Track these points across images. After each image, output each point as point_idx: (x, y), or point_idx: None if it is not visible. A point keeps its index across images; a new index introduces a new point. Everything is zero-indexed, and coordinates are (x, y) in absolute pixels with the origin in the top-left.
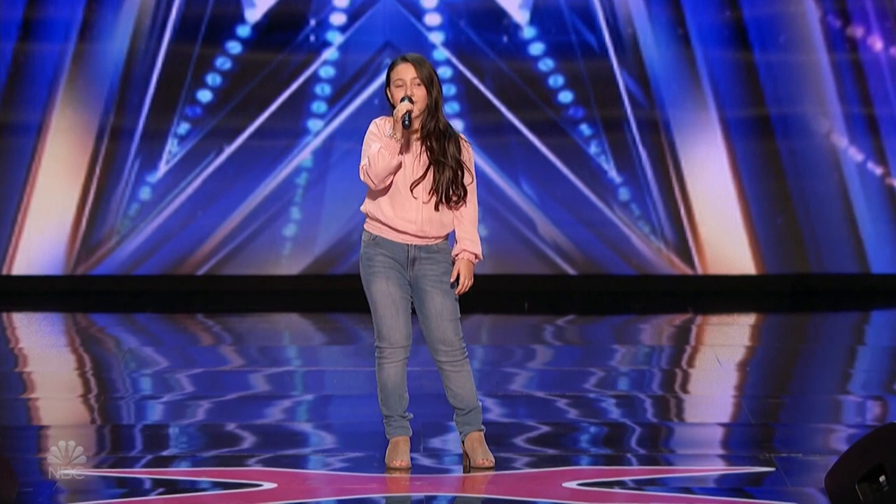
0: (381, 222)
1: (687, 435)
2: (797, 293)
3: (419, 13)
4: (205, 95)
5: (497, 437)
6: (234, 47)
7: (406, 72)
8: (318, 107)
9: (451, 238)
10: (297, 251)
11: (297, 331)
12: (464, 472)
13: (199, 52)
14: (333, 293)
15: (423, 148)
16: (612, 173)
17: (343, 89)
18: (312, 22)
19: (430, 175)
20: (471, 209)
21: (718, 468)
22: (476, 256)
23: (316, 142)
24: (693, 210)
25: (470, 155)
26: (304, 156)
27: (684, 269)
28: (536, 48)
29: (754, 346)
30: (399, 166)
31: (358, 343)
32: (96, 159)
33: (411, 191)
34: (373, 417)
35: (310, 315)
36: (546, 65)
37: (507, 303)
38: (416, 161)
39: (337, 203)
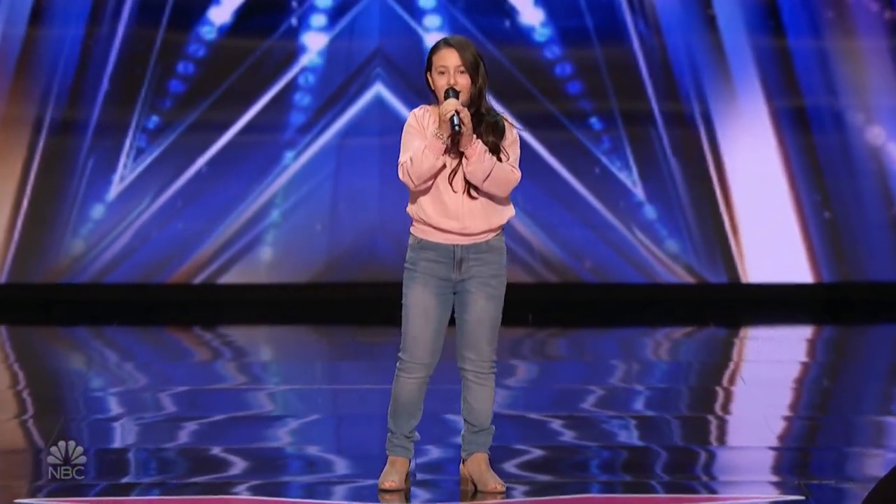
0: (424, 223)
1: (709, 460)
2: (833, 303)
3: None
4: (176, 86)
5: (500, 461)
6: (209, 32)
7: (450, 57)
8: (305, 99)
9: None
10: (288, 260)
11: (294, 344)
12: (461, 499)
13: (167, 36)
14: (331, 303)
15: None
16: (626, 171)
17: (333, 82)
18: (295, 4)
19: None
20: (502, 164)
21: (745, 496)
22: (477, 145)
23: (309, 139)
24: (735, 213)
25: (514, 138)
26: (294, 155)
27: (706, 278)
28: (542, 34)
29: (783, 361)
30: (443, 167)
31: (360, 359)
32: (33, 154)
33: (450, 183)
34: (371, 440)
35: (307, 327)
36: (552, 52)
37: (508, 314)
38: (451, 151)
39: (332, 209)
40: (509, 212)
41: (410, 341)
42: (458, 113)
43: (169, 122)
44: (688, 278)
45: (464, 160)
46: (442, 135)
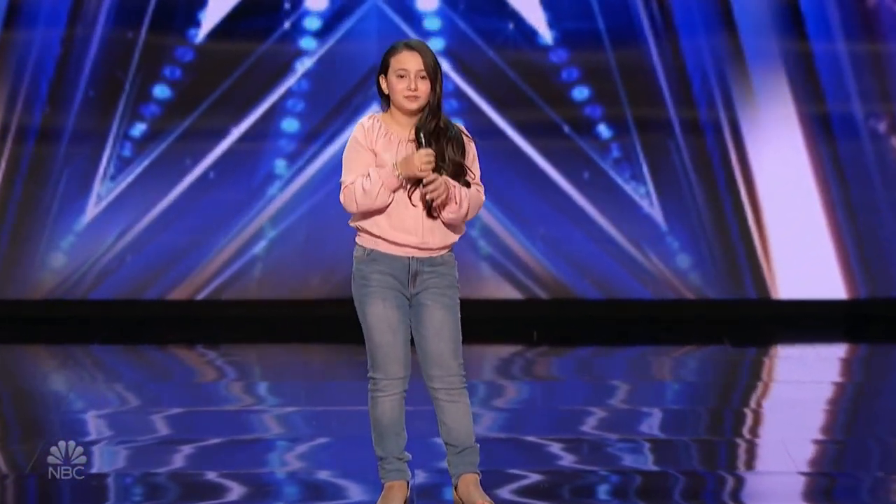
0: (376, 236)
1: (724, 486)
2: (853, 320)
3: None
4: (163, 91)
5: (495, 486)
6: (196, 35)
7: (411, 61)
8: (297, 105)
9: (455, 247)
10: (281, 276)
11: (289, 363)
12: None
13: (150, 39)
14: (325, 320)
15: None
16: (639, 181)
17: (327, 99)
18: (288, 5)
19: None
20: (472, 191)
21: None
22: (454, 193)
23: (303, 161)
24: (765, 225)
25: (473, 154)
26: (286, 166)
27: (722, 293)
28: (548, 36)
29: (802, 381)
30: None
31: (358, 379)
32: (1, 163)
33: (409, 198)
34: (373, 463)
35: (302, 345)
36: (560, 56)
37: (511, 332)
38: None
39: (322, 223)
40: (463, 230)
41: (382, 358)
42: (432, 183)
43: (155, 130)
44: (709, 294)
45: (446, 211)
46: (401, 175)
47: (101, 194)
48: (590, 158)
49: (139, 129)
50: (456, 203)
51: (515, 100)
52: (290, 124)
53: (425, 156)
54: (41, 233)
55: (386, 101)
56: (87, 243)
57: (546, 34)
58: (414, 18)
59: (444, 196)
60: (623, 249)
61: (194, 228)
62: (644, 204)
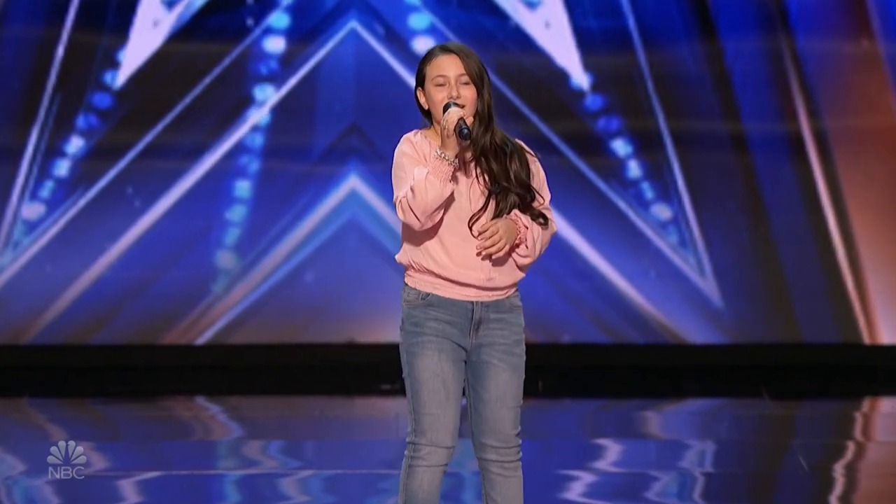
0: (434, 274)
1: None
2: None
3: None
4: (103, 100)
5: None
6: (144, 37)
7: (450, 66)
8: (262, 117)
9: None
10: (250, 321)
11: (256, 418)
12: None
13: (77, 38)
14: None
15: (479, 170)
16: (673, 203)
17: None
18: (251, 0)
19: (491, 205)
20: (546, 229)
21: None
22: (524, 234)
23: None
24: (862, 265)
25: (540, 173)
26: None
27: (756, 338)
28: (558, 37)
29: (850, 441)
30: (451, 197)
31: (335, 436)
32: None
33: (470, 228)
34: None
35: (268, 398)
36: (570, 61)
37: None
38: (470, 188)
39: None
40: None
41: (429, 422)
42: (463, 119)
43: (95, 144)
44: (730, 338)
45: (515, 254)
46: (447, 155)
47: (28, 226)
48: (606, 177)
49: (77, 144)
50: (527, 245)
51: (517, 111)
52: (255, 139)
53: (453, 112)
54: None
55: (427, 117)
56: (13, 282)
57: (555, 34)
58: (407, 17)
59: (503, 248)
60: (666, 285)
61: (150, 265)
62: (672, 230)
